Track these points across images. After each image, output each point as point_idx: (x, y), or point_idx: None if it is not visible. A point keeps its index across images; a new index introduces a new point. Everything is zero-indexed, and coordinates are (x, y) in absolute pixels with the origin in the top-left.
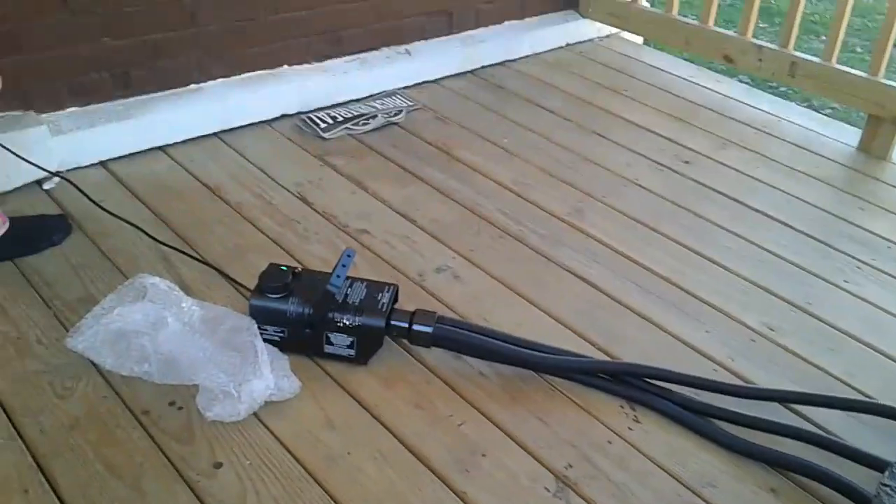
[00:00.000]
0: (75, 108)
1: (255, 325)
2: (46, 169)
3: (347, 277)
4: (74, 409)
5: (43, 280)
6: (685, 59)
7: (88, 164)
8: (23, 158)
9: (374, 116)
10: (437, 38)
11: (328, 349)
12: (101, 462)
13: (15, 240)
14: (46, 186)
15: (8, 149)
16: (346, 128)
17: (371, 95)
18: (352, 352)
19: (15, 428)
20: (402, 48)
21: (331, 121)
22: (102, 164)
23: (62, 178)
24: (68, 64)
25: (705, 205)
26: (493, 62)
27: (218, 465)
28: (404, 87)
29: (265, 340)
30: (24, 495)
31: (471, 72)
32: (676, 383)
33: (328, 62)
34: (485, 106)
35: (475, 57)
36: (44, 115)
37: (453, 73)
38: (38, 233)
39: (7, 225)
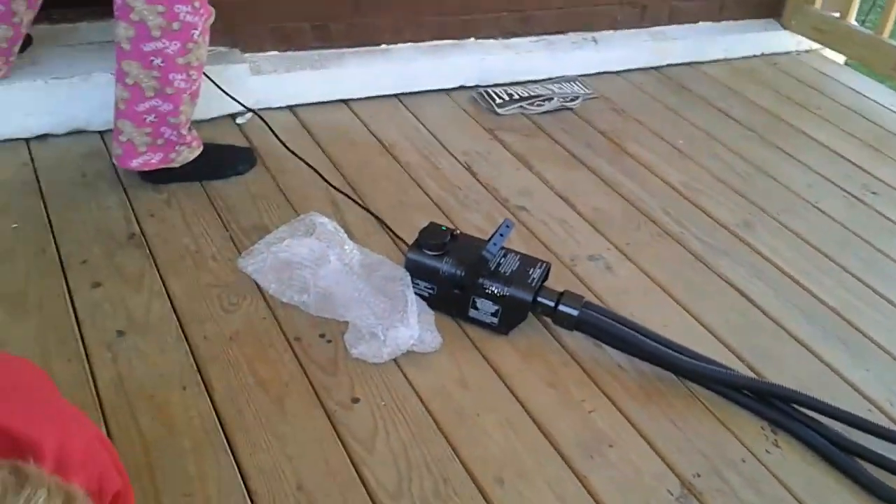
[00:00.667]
0: (275, 52)
1: (409, 277)
2: (244, 104)
3: (502, 248)
4: (236, 323)
5: (224, 204)
6: (890, 87)
7: (278, 106)
8: (225, 92)
9: (550, 99)
10: (627, 30)
11: (472, 313)
12: (253, 375)
13: (206, 163)
14: (239, 121)
15: (213, 81)
16: (521, 106)
17: (550, 78)
18: (495, 320)
19: (182, 331)
20: (589, 35)
21: (507, 97)
22: (290, 108)
23: (257, 114)
24: (275, 11)
25: (889, 241)
26: (681, 62)
27: (355, 400)
28: (585, 75)
29: (415, 294)
30: (183, 392)
31: (656, 68)
32: (827, 416)
33: (514, 40)
34: (665, 104)
35: (663, 54)
36: (247, 55)
37: (638, 67)
38: (226, 160)
39: (201, 149)
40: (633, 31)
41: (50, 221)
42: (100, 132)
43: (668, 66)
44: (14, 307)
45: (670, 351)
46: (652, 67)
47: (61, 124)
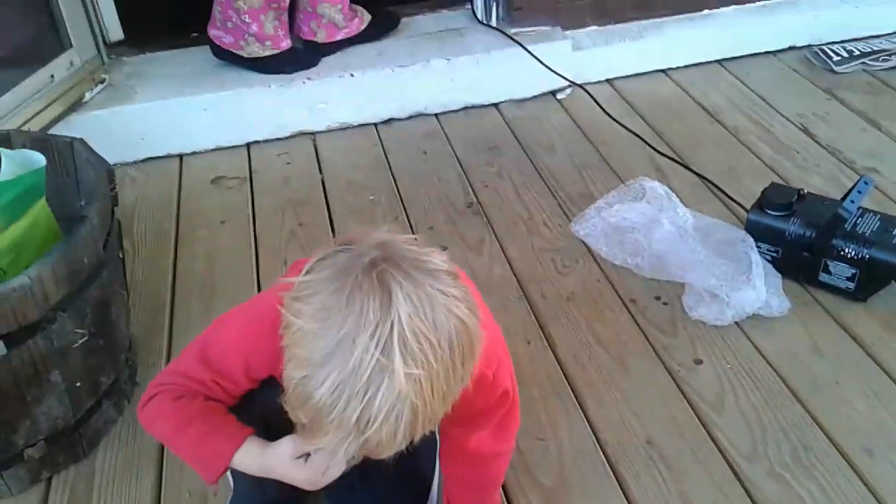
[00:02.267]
0: (595, 26)
1: (752, 239)
2: (568, 78)
3: (860, 207)
4: (571, 284)
5: (551, 174)
6: None
7: (596, 80)
8: (550, 69)
9: None
10: None
11: (823, 278)
12: (591, 333)
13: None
14: (560, 96)
15: (539, 59)
16: (863, 63)
17: (894, 32)
18: (851, 285)
19: (522, 290)
20: None
21: (846, 54)
22: (609, 80)
23: (581, 87)
24: None
25: None
26: None
27: (698, 362)
28: None
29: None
30: (527, 346)
31: None
32: None
33: None
34: None
35: None
36: (568, 32)
37: None
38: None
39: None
40: None
41: (399, 194)
42: (436, 115)
43: None
44: None
45: None
46: None
47: (404, 108)
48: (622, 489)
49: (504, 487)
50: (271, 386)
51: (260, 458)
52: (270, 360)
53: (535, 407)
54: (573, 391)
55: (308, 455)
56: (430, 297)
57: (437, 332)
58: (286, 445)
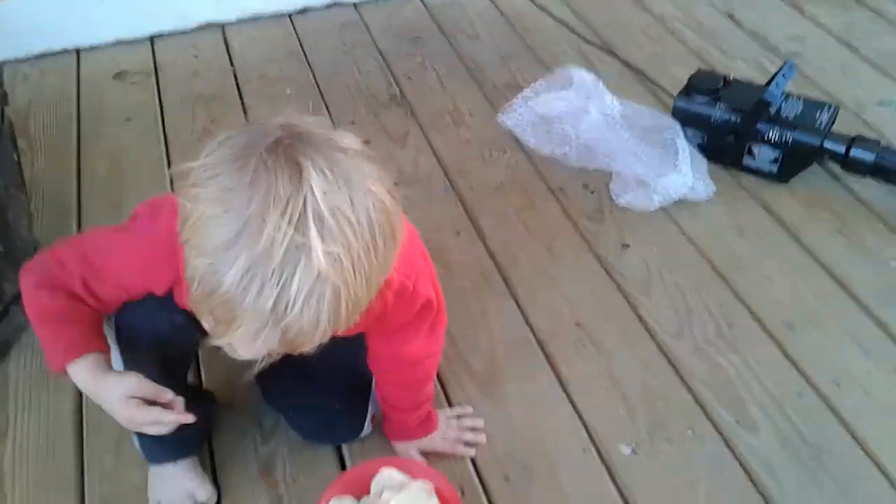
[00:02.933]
0: None
1: (678, 125)
2: None
3: (783, 92)
4: (499, 175)
5: (476, 64)
6: None
7: None
8: None
9: None
10: None
11: (747, 162)
12: (521, 223)
13: None
14: None
15: None
16: None
17: None
18: (774, 168)
19: (450, 182)
20: None
21: None
22: None
23: None
24: None
25: None
26: None
27: (625, 247)
28: None
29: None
30: (457, 237)
31: None
32: None
33: None
34: None
35: None
36: None
37: None
38: None
39: None
40: None
41: (318, 86)
42: (354, 4)
43: None
44: None
45: None
46: None
47: None
48: (554, 371)
49: (438, 376)
50: (157, 310)
51: (91, 380)
52: (157, 268)
53: (466, 298)
54: (504, 280)
55: (140, 400)
56: (344, 173)
57: (355, 210)
58: (126, 382)
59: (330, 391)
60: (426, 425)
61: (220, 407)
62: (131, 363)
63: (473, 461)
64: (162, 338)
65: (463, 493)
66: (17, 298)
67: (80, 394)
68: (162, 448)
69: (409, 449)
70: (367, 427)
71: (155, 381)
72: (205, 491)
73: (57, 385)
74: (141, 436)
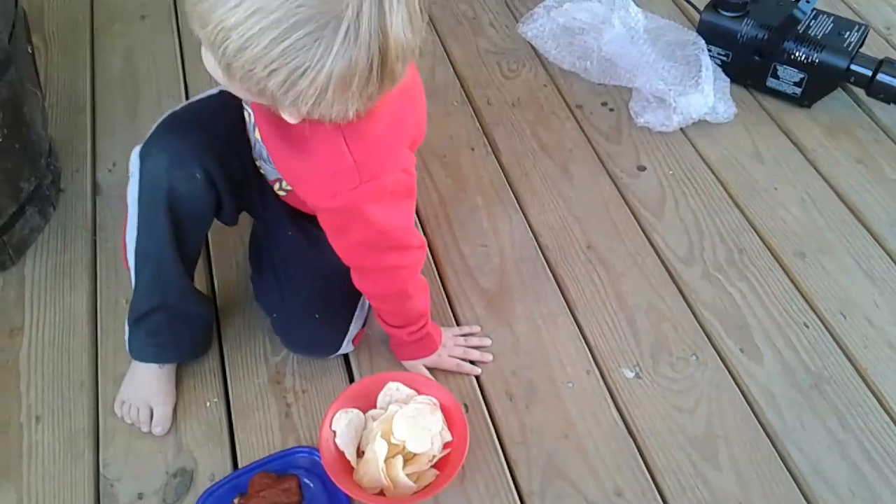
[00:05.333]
0: None
1: (703, 41)
2: None
3: (814, 9)
4: (517, 89)
5: None
6: None
7: None
8: None
9: None
10: None
11: (771, 83)
12: (536, 140)
13: None
14: None
15: None
16: None
17: None
18: (797, 90)
19: (466, 95)
20: None
21: None
22: None
23: None
24: None
25: None
26: None
27: (641, 168)
28: None
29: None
30: (471, 152)
31: None
32: None
33: None
34: None
35: None
36: None
37: None
38: None
39: None
40: None
41: None
42: None
43: None
44: None
45: None
46: None
47: None
48: (561, 291)
49: (446, 290)
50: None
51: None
52: None
53: (477, 213)
54: (516, 197)
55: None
56: None
57: None
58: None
59: (313, 300)
60: (425, 344)
61: (232, 315)
62: (146, 225)
63: (478, 379)
64: (178, 197)
65: (467, 409)
66: (32, 197)
67: (95, 295)
68: (150, 349)
69: (417, 365)
70: (348, 345)
71: (164, 251)
72: (164, 407)
73: (72, 286)
74: (133, 331)
